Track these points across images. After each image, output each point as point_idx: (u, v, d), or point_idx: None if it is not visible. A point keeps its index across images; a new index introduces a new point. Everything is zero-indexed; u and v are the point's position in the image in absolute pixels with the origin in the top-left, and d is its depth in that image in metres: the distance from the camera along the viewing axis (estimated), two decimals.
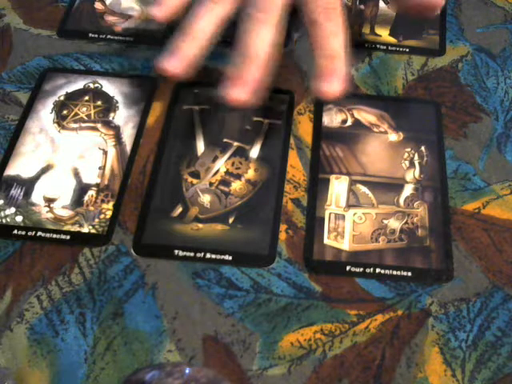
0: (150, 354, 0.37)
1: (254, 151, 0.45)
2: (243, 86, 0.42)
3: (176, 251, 0.40)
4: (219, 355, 0.37)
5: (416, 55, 0.52)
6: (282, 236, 0.42)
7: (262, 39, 0.42)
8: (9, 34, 0.53)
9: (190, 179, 0.44)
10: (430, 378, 0.36)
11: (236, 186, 0.43)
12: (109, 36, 0.53)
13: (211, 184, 0.43)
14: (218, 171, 0.44)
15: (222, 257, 0.40)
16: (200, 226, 0.42)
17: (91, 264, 0.40)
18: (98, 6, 0.55)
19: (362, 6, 0.55)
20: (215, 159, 0.45)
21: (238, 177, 0.44)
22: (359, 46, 0.52)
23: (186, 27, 0.44)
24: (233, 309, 0.38)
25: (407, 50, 0.52)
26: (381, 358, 0.37)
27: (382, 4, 0.56)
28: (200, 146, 0.45)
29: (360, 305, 0.39)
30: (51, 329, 0.38)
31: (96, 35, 0.53)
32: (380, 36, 0.53)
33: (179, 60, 0.43)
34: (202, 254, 0.40)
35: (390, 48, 0.52)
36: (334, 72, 0.43)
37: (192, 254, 0.40)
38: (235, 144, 0.46)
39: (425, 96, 0.49)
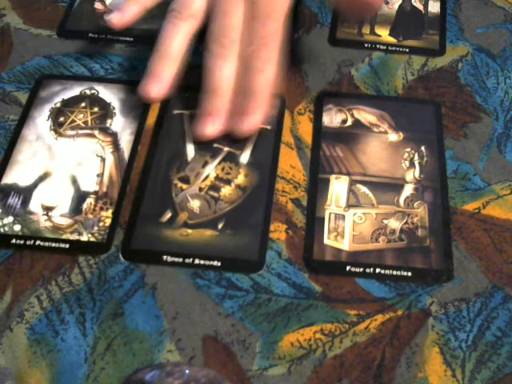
0: (150, 353, 0.37)
1: (245, 156, 0.45)
2: (213, 120, 0.44)
3: (164, 257, 0.40)
4: (219, 355, 0.37)
5: (416, 55, 0.52)
6: (282, 236, 0.41)
7: (226, 74, 0.44)
8: (9, 33, 0.53)
9: (179, 184, 0.43)
10: (430, 378, 0.36)
11: (226, 191, 0.43)
12: (109, 36, 0.53)
13: (201, 189, 0.43)
14: (207, 176, 0.44)
15: (211, 263, 0.40)
16: (189, 231, 0.41)
17: (91, 264, 0.40)
18: (98, 6, 0.55)
19: None
20: (205, 164, 0.45)
21: (228, 182, 0.44)
22: (359, 46, 0.52)
23: (159, 48, 0.45)
24: (233, 309, 0.38)
25: (407, 50, 0.52)
26: (381, 358, 0.37)
27: None
28: (190, 151, 0.45)
29: (360, 305, 0.39)
30: (51, 329, 0.38)
31: (96, 35, 0.53)
32: (380, 36, 0.53)
33: (158, 84, 0.45)
34: (191, 259, 0.40)
35: (389, 48, 0.52)
36: (255, 110, 0.44)
37: (181, 260, 0.40)
38: (225, 149, 0.45)
39: (425, 96, 0.49)
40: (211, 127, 0.44)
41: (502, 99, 0.49)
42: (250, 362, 0.37)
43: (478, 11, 0.55)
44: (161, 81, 0.45)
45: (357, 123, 0.47)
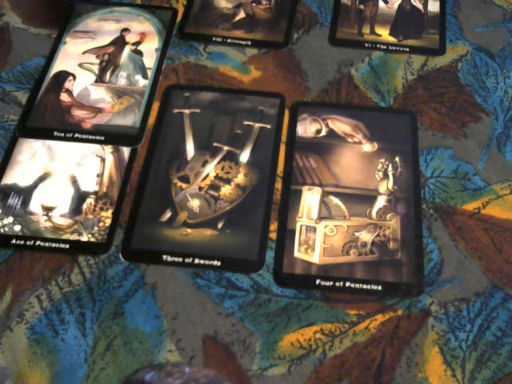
0: (149, 354, 0.37)
1: (244, 155, 0.45)
2: None
3: (164, 256, 0.40)
4: (219, 355, 0.37)
5: (416, 54, 0.52)
6: None
7: None
8: (8, 33, 0.53)
9: (179, 183, 0.43)
10: (430, 378, 0.36)
11: (225, 190, 0.43)
12: (76, 135, 0.45)
13: (201, 188, 0.43)
14: (207, 176, 0.44)
15: (211, 262, 0.40)
16: (189, 231, 0.41)
17: (91, 264, 0.40)
18: (64, 98, 0.47)
19: (362, 6, 0.55)
20: (205, 163, 0.44)
21: (228, 181, 0.44)
22: (359, 45, 0.52)
23: None
24: (233, 309, 0.38)
25: (407, 49, 0.52)
26: (381, 358, 0.37)
27: (381, 4, 0.56)
28: (190, 150, 0.45)
29: (360, 305, 0.39)
30: (51, 329, 0.38)
31: (62, 134, 0.45)
32: (380, 36, 0.53)
33: None
34: (191, 259, 0.40)
35: (390, 48, 0.52)
36: None
37: (180, 260, 0.40)
38: (225, 148, 0.45)
39: (424, 96, 0.49)
40: None
41: (502, 99, 0.49)
42: (250, 362, 0.37)
43: (477, 10, 0.55)
44: None
45: (331, 133, 0.46)
